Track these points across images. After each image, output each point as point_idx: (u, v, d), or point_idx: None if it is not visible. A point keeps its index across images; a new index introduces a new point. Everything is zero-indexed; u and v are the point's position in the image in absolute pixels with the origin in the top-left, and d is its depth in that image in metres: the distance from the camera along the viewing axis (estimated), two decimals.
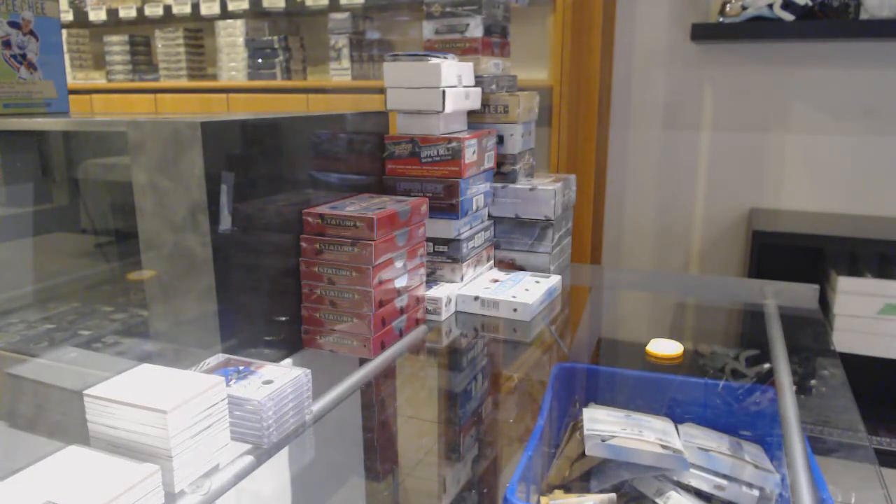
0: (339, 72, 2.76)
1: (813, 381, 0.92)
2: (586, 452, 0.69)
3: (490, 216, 1.24)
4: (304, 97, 2.72)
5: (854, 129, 2.26)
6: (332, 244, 0.89)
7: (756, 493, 0.65)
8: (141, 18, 3.11)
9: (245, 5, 2.84)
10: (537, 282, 1.14)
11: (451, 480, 0.88)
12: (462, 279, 1.11)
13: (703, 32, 2.26)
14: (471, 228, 1.13)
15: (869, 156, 2.26)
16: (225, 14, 2.91)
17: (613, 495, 0.66)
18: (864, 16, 2.09)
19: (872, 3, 2.05)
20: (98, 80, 3.36)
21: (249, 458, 0.66)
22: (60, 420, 0.82)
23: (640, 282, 1.66)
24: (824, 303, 2.06)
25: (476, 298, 1.07)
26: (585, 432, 0.71)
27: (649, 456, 0.66)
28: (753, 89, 2.34)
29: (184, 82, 3.07)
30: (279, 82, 2.85)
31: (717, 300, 1.41)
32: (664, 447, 0.67)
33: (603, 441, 0.69)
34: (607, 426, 0.72)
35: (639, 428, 0.72)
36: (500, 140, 1.25)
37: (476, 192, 1.13)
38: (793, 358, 0.93)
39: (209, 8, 2.92)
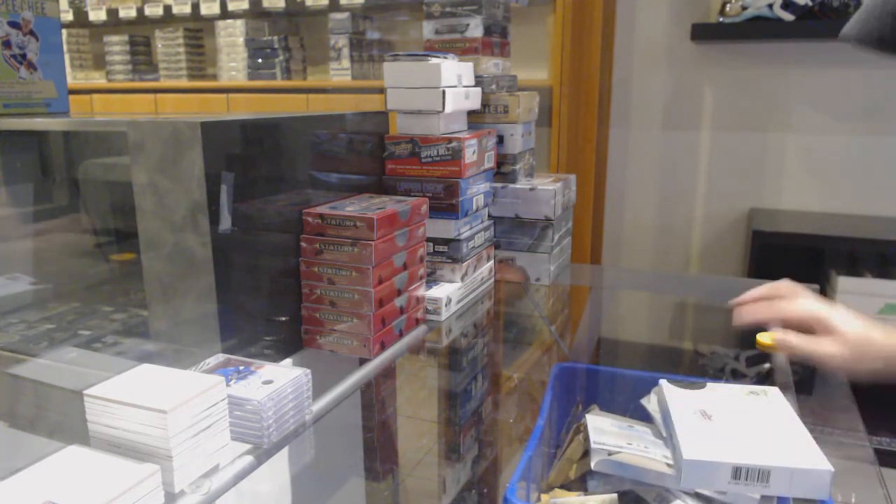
0: (339, 72, 2.76)
1: (813, 382, 0.92)
2: (593, 468, 0.69)
3: (490, 216, 1.24)
4: (304, 97, 2.72)
5: (854, 129, 2.26)
6: (332, 244, 0.89)
7: (757, 496, 0.65)
8: (141, 18, 3.11)
9: (245, 5, 2.84)
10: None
11: (451, 480, 0.88)
12: (462, 279, 1.11)
13: (703, 32, 2.26)
14: (471, 228, 1.13)
15: (869, 156, 2.25)
16: (225, 14, 2.91)
17: (615, 496, 0.66)
18: None
19: None
20: (98, 80, 3.36)
21: (249, 458, 0.66)
22: (60, 420, 0.82)
23: (640, 282, 1.66)
24: None
25: None
26: (592, 445, 0.71)
27: (656, 475, 0.67)
28: (753, 89, 2.34)
29: (184, 82, 3.07)
30: (279, 82, 2.85)
31: (717, 300, 1.41)
32: (670, 465, 0.67)
33: (610, 455, 0.69)
34: (612, 438, 0.72)
35: (644, 443, 0.72)
36: (500, 140, 1.25)
37: (476, 192, 1.13)
38: (793, 358, 0.93)
39: (209, 8, 2.92)
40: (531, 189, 1.24)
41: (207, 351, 0.77)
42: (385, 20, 2.85)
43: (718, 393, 0.75)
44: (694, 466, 0.64)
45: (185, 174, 0.74)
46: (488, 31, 1.23)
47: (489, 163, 1.19)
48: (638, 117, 2.52)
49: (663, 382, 0.78)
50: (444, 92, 1.05)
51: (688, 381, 0.79)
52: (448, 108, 1.07)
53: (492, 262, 1.24)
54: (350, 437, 0.95)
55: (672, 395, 0.76)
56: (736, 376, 1.05)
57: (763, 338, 0.89)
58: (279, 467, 0.75)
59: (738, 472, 0.63)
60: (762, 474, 0.63)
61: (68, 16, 3.22)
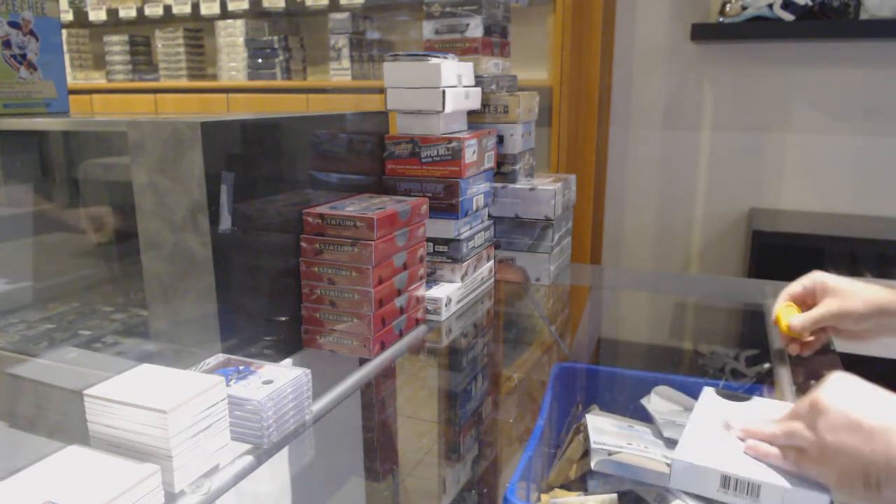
0: (339, 72, 2.76)
1: (813, 382, 0.92)
2: (593, 468, 0.69)
3: (490, 216, 1.24)
4: (304, 97, 2.72)
5: (854, 129, 2.26)
6: (332, 244, 0.89)
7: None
8: (141, 18, 3.11)
9: (245, 5, 2.84)
10: None
11: (451, 480, 0.88)
12: (462, 279, 1.11)
13: (703, 32, 2.26)
14: (471, 228, 1.13)
15: (869, 156, 2.25)
16: (225, 14, 2.91)
17: (615, 496, 0.67)
18: (864, 16, 2.08)
19: (872, 3, 2.05)
20: (98, 80, 3.36)
21: (249, 458, 0.66)
22: (60, 420, 0.82)
23: (640, 282, 1.66)
24: None
25: None
26: (592, 445, 0.71)
27: (655, 475, 0.67)
28: (753, 89, 2.34)
29: (184, 82, 3.07)
30: (279, 82, 2.85)
31: (717, 300, 1.41)
32: (669, 465, 0.67)
33: (610, 455, 0.69)
34: (612, 438, 0.72)
35: (644, 443, 0.72)
36: (500, 140, 1.25)
37: (476, 192, 1.13)
38: (793, 358, 0.93)
39: (209, 8, 2.92)
40: (531, 189, 1.24)
41: (207, 351, 0.77)
42: (385, 20, 2.85)
43: (757, 407, 0.74)
44: (682, 468, 0.64)
45: (185, 174, 0.74)
46: (488, 31, 1.23)
47: (489, 163, 1.19)
48: (638, 117, 2.51)
49: (708, 389, 0.77)
50: (444, 92, 1.05)
51: (733, 392, 0.77)
52: (448, 108, 1.07)
53: (492, 262, 1.24)
54: (350, 437, 0.95)
55: (706, 401, 0.75)
56: (736, 376, 1.05)
57: (784, 316, 0.90)
58: (279, 467, 0.75)
59: (726, 482, 0.63)
60: (752, 488, 0.62)
61: (68, 16, 3.22)
